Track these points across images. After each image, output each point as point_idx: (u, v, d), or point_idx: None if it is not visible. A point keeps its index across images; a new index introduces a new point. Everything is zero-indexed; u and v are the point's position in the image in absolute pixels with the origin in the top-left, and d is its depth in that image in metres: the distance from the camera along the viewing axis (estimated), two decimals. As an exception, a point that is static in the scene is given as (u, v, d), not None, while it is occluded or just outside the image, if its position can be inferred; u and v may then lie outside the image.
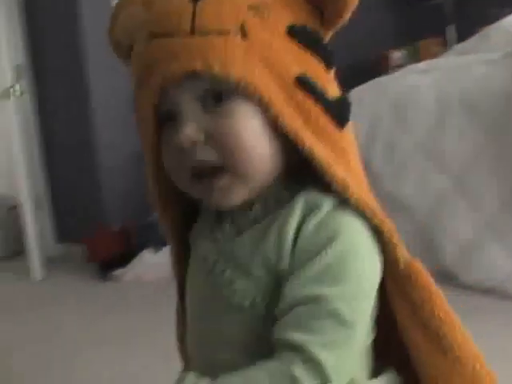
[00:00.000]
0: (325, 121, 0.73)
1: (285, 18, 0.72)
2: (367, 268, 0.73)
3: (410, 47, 4.99)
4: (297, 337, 0.67)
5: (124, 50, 0.82)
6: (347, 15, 0.74)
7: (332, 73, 0.76)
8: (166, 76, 0.70)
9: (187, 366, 0.89)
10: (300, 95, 0.71)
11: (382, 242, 0.75)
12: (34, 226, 3.93)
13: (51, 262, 4.22)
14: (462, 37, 4.74)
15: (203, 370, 0.76)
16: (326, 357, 0.67)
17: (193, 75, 0.69)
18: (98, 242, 3.74)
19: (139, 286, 3.32)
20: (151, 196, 0.84)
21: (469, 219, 2.50)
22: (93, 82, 3.99)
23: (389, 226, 0.75)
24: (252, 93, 0.69)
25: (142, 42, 0.73)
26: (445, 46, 4.91)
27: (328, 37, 0.76)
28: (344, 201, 0.73)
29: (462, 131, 2.52)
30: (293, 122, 0.70)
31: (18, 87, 3.93)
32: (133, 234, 3.70)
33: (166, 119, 0.74)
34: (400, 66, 4.77)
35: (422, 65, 3.23)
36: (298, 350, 0.67)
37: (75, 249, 4.20)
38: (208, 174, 0.72)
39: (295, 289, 0.69)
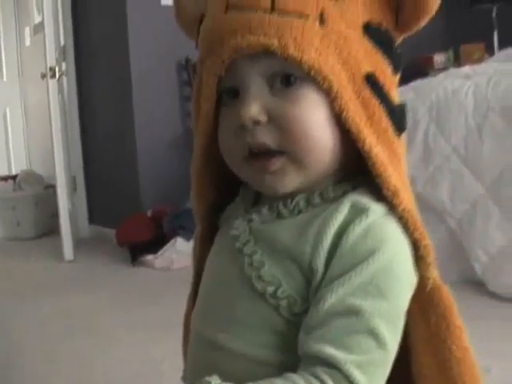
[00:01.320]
0: (387, 124, 0.71)
1: (362, 14, 0.70)
2: (407, 285, 0.70)
3: (453, 51, 4.97)
4: (333, 353, 0.64)
5: (189, 19, 0.81)
6: (424, 22, 0.73)
7: (397, 78, 0.75)
8: (240, 47, 0.68)
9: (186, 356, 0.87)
10: (367, 93, 0.69)
11: (417, 258, 0.71)
12: (68, 207, 3.98)
13: (83, 243, 4.28)
14: (505, 43, 4.71)
15: (202, 349, 0.76)
16: (360, 378, 0.64)
17: (266, 53, 0.67)
18: (130, 226, 3.77)
19: (169, 273, 3.36)
20: (193, 173, 0.81)
21: (502, 228, 2.49)
22: (134, 68, 4.01)
23: (428, 242, 0.71)
24: (322, 81, 0.67)
25: (215, 12, 0.71)
26: (487, 51, 4.88)
27: (399, 40, 0.75)
28: (391, 209, 0.70)
29: (500, 139, 2.51)
30: (357, 117, 0.68)
31: (60, 67, 3.98)
32: (165, 220, 3.71)
33: (227, 95, 0.72)
34: (443, 69, 4.76)
35: (464, 69, 3.20)
36: (332, 366, 0.64)
37: (107, 231, 4.25)
38: (264, 155, 0.70)
39: (336, 299, 0.65)
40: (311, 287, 0.68)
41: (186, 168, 3.38)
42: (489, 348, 1.78)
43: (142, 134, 4.05)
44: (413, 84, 2.97)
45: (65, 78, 4.27)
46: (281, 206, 0.73)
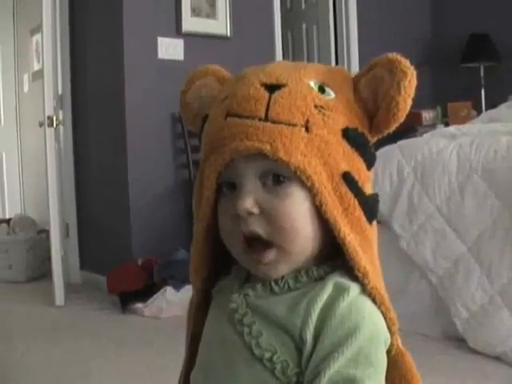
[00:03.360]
0: (359, 214, 0.82)
1: (341, 120, 0.82)
2: (383, 352, 0.82)
3: (441, 107, 5.10)
4: None
5: (192, 113, 0.96)
6: (393, 127, 0.86)
7: (371, 172, 0.87)
8: (238, 150, 0.80)
9: None
10: (343, 189, 0.81)
11: None
12: (60, 252, 4.02)
13: (74, 289, 4.32)
14: (492, 100, 4.85)
15: None
16: None
17: (259, 155, 0.79)
18: (121, 274, 3.82)
19: (158, 321, 3.40)
20: (193, 251, 0.92)
21: (482, 286, 2.57)
22: (129, 118, 4.11)
23: (392, 315, 0.83)
24: (306, 180, 0.79)
25: (217, 117, 0.84)
26: (475, 108, 5.01)
27: (374, 140, 0.88)
28: (362, 285, 0.82)
29: (481, 200, 2.59)
30: (334, 210, 0.80)
31: (58, 116, 4.07)
32: (156, 269, 3.76)
33: (226, 187, 0.84)
34: (432, 125, 4.89)
35: (451, 129, 3.31)
36: None
37: (98, 278, 4.29)
38: (258, 248, 0.82)
39: (334, 371, 0.76)
40: (303, 355, 0.79)
41: (177, 219, 3.52)
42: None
43: (135, 184, 4.13)
44: (400, 143, 3.07)
45: (61, 127, 4.36)
46: (273, 284, 0.84)
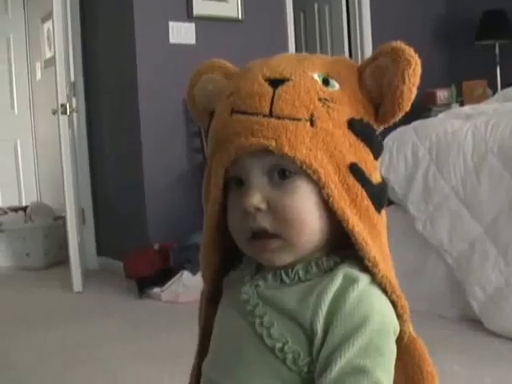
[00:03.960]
0: (368, 204, 0.83)
1: (346, 112, 0.83)
2: (393, 341, 0.83)
3: (455, 87, 5.06)
4: None
5: (199, 108, 0.97)
6: (399, 116, 0.86)
7: (378, 161, 0.88)
8: (243, 147, 0.81)
9: None
10: (351, 180, 0.82)
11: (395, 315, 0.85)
12: (77, 239, 4.06)
13: (91, 275, 4.36)
14: (507, 79, 4.80)
15: None
16: None
17: (265, 151, 0.80)
18: (137, 259, 3.85)
19: (175, 306, 3.43)
20: (203, 242, 0.94)
21: (499, 268, 2.56)
22: (142, 104, 4.12)
23: (403, 302, 0.85)
24: (312, 174, 0.80)
25: (223, 114, 0.85)
26: (490, 87, 4.96)
27: (380, 129, 0.88)
28: (372, 276, 0.83)
29: (497, 181, 2.58)
30: (341, 202, 0.81)
31: (71, 104, 4.08)
32: (172, 254, 3.78)
33: (232, 183, 0.85)
34: (446, 105, 4.86)
35: (466, 109, 3.29)
36: None
37: (115, 263, 4.33)
38: (263, 236, 0.83)
39: (345, 361, 0.77)
40: (314, 345, 0.81)
41: (192, 203, 3.52)
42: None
43: (149, 170, 4.15)
44: (414, 124, 3.05)
45: (75, 114, 4.37)
46: (283, 274, 0.86)
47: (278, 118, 0.80)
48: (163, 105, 4.10)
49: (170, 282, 3.63)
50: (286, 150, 0.79)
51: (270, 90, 0.82)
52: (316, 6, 5.61)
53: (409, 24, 5.32)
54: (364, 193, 0.83)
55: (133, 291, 3.73)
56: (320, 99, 0.82)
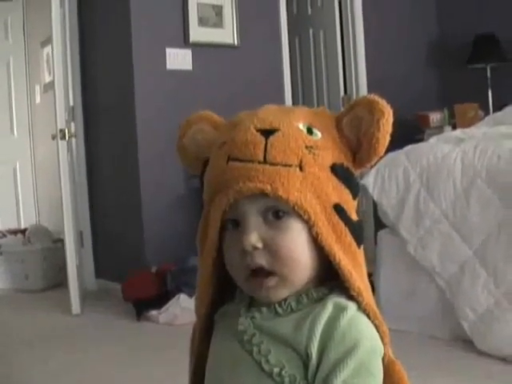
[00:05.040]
0: (350, 240, 0.92)
1: (329, 157, 0.92)
2: (380, 363, 0.91)
3: (448, 109, 5.14)
4: None
5: (191, 157, 1.05)
6: (374, 161, 0.95)
7: (356, 201, 0.96)
8: (242, 191, 0.89)
9: None
10: (335, 219, 0.91)
11: None
12: (75, 262, 4.09)
13: (90, 297, 4.39)
14: (499, 101, 4.88)
15: None
16: None
17: (261, 194, 0.88)
18: (135, 282, 3.89)
19: (173, 328, 3.47)
20: (200, 281, 1.00)
21: (488, 289, 2.62)
22: (140, 128, 4.19)
23: (384, 328, 0.93)
24: (303, 214, 0.88)
25: (219, 162, 0.93)
26: (482, 109, 5.04)
27: (358, 172, 0.97)
28: (356, 303, 0.91)
29: (486, 205, 2.65)
30: (329, 239, 0.89)
31: (70, 129, 4.14)
32: (169, 277, 3.82)
33: (229, 224, 0.92)
34: (439, 127, 4.94)
35: (457, 132, 3.37)
36: None
37: (113, 286, 4.37)
38: (261, 274, 0.90)
39: (340, 381, 0.85)
40: (309, 369, 0.88)
41: (189, 226, 3.57)
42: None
43: (147, 193, 4.20)
44: (405, 149, 3.12)
45: (74, 139, 4.43)
46: (277, 307, 0.93)
47: (272, 164, 0.89)
48: (161, 130, 4.16)
49: (167, 305, 3.67)
50: (281, 192, 0.87)
51: (262, 139, 0.90)
52: (311, 31, 5.70)
53: (402, 48, 5.43)
54: (347, 230, 0.91)
55: (131, 313, 3.77)
56: (307, 147, 0.90)
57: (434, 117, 5.09)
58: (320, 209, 0.90)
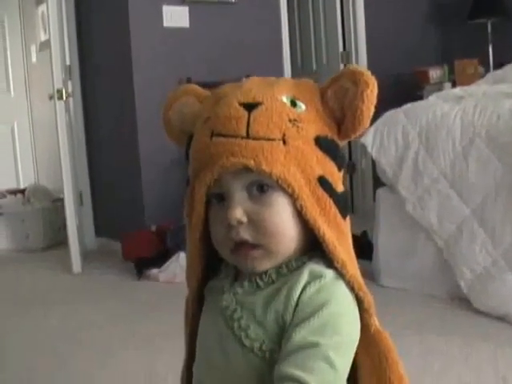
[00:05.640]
0: (335, 212, 0.93)
1: (313, 130, 0.92)
2: (353, 327, 0.92)
3: (448, 65, 5.10)
4: (297, 373, 0.84)
5: (175, 130, 1.06)
6: (359, 132, 0.95)
7: (342, 172, 0.97)
8: (226, 167, 0.89)
9: None
10: (320, 191, 0.91)
11: (362, 310, 0.93)
12: (75, 221, 4.12)
13: (90, 256, 4.42)
14: (499, 57, 4.84)
15: None
16: None
17: (244, 169, 0.88)
18: (135, 241, 3.92)
19: (173, 286, 3.50)
20: (189, 255, 1.03)
21: (486, 249, 2.63)
22: (137, 86, 4.17)
23: (369, 298, 0.94)
24: (287, 187, 0.89)
25: (203, 137, 0.93)
26: (483, 65, 5.00)
27: (343, 143, 0.97)
28: (340, 274, 0.92)
29: (484, 164, 2.65)
30: (313, 212, 0.90)
31: (67, 89, 4.12)
32: (169, 235, 3.85)
33: (214, 199, 0.93)
34: (439, 83, 4.91)
35: (456, 90, 3.34)
36: (297, 382, 0.84)
37: (114, 244, 4.39)
38: (246, 246, 0.91)
39: (300, 337, 0.86)
40: (284, 333, 0.90)
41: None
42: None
43: (146, 152, 4.20)
44: (404, 107, 3.11)
45: (71, 98, 4.41)
46: (258, 279, 0.95)
47: (255, 139, 0.89)
48: (158, 87, 4.12)
49: (167, 263, 3.71)
50: (264, 167, 0.88)
51: (245, 113, 0.90)
52: (309, -14, 5.63)
53: (401, 2, 5.35)
54: (331, 202, 0.92)
55: (131, 272, 3.81)
56: (290, 120, 0.90)
57: (434, 73, 5.05)
58: (304, 182, 0.90)
